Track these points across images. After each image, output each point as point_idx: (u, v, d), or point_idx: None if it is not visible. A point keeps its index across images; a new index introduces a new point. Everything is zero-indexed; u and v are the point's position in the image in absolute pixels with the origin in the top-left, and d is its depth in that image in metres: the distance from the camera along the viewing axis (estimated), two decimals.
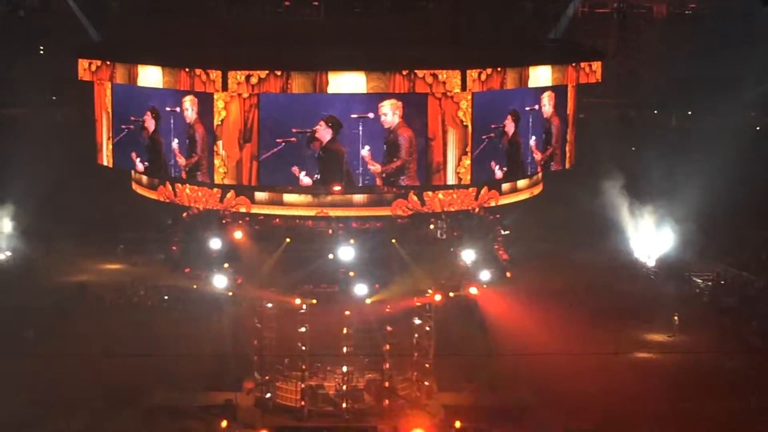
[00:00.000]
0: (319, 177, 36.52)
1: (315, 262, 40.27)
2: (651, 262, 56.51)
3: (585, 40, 43.11)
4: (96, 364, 42.04)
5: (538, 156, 39.40)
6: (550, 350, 43.99)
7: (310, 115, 36.36)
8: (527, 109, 38.59)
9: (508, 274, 40.99)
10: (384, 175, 36.65)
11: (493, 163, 37.85)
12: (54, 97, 73.78)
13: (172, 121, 37.90)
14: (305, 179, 36.52)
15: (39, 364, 41.93)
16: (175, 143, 37.62)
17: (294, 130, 36.31)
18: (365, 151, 36.36)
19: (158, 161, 38.66)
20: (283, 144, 36.29)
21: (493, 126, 37.65)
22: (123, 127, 39.37)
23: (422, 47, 39.84)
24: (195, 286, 43.12)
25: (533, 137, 39.08)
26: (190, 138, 37.32)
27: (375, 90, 35.79)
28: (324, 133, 36.32)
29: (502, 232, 41.84)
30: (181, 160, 37.58)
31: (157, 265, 48.68)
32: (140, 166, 39.34)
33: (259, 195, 38.07)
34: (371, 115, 36.34)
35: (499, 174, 38.27)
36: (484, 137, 37.25)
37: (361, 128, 36.36)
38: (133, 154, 39.24)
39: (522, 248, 45.83)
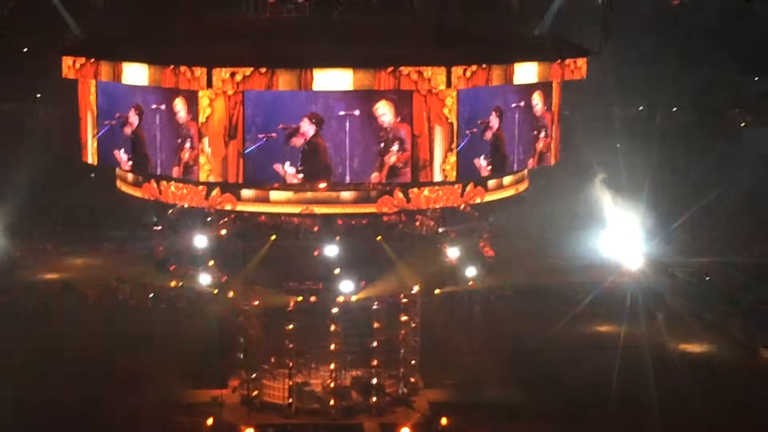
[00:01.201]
0: (303, 169, 36.53)
1: (300, 259, 40.27)
2: (635, 258, 56.57)
3: (570, 37, 43.14)
4: (80, 361, 41.99)
5: (535, 150, 39.62)
6: (535, 347, 44.18)
7: (296, 112, 36.39)
8: (512, 105, 38.66)
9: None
10: (400, 165, 36.74)
11: (476, 159, 37.90)
12: (38, 95, 73.58)
13: (158, 118, 37.84)
14: (289, 169, 36.47)
15: (23, 361, 41.87)
16: (187, 143, 37.46)
17: (281, 126, 36.35)
18: (396, 147, 36.49)
19: (141, 158, 38.58)
20: (265, 139, 36.32)
21: (479, 122, 37.73)
22: (105, 123, 39.30)
23: (408, 44, 39.83)
24: (180, 284, 43.04)
25: (536, 133, 39.43)
26: (182, 137, 37.24)
27: (360, 87, 35.80)
28: (308, 128, 36.36)
29: (488, 229, 41.86)
30: (185, 156, 37.37)
31: (142, 263, 48.59)
32: (124, 163, 39.24)
33: (246, 192, 38.04)
34: (357, 112, 36.36)
35: (483, 170, 38.32)
36: (467, 132, 37.34)
37: (348, 125, 36.38)
38: (116, 151, 39.15)
39: (507, 245, 45.91)
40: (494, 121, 38.12)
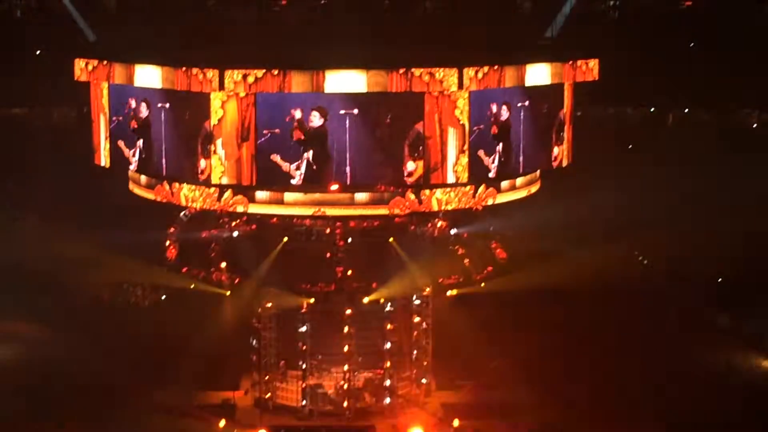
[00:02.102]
0: (307, 166, 36.56)
1: (313, 261, 40.29)
2: (646, 260, 56.48)
3: (582, 38, 43.18)
4: (93, 363, 42.07)
5: (548, 151, 39.74)
6: (547, 349, 44.08)
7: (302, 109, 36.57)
8: (518, 105, 38.63)
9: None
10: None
11: (483, 156, 37.84)
12: (51, 98, 73.65)
13: (162, 117, 37.98)
14: (295, 169, 36.55)
15: (38, 361, 41.97)
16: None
17: (287, 119, 36.43)
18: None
19: (149, 158, 38.72)
20: (269, 135, 36.41)
21: (485, 119, 37.77)
22: (114, 118, 39.49)
23: (420, 46, 39.90)
24: (193, 286, 43.11)
25: (551, 133, 39.78)
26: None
27: (373, 88, 35.88)
28: (316, 121, 36.50)
29: (500, 231, 41.87)
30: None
31: (155, 265, 48.67)
32: (132, 163, 39.40)
33: (259, 194, 38.08)
34: (356, 111, 36.38)
35: (491, 170, 38.28)
36: (474, 128, 37.36)
37: (348, 123, 36.42)
38: (125, 149, 39.32)
39: (519, 246, 45.90)
40: (500, 119, 38.13)
